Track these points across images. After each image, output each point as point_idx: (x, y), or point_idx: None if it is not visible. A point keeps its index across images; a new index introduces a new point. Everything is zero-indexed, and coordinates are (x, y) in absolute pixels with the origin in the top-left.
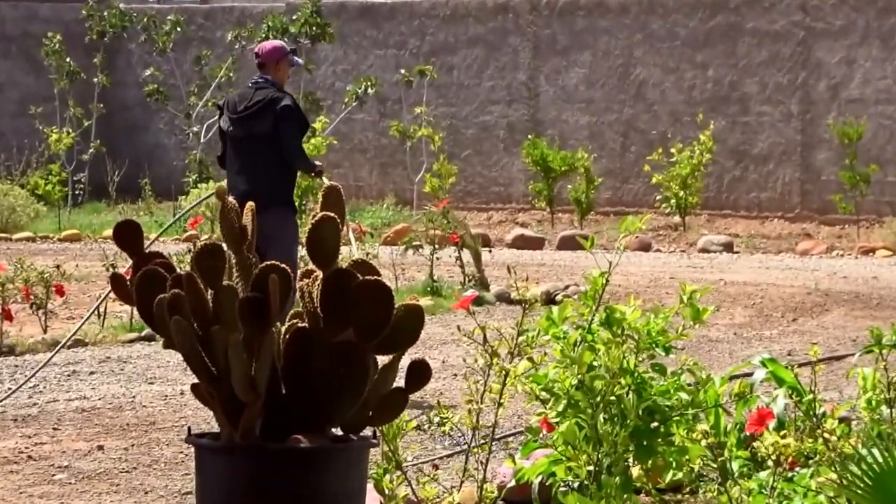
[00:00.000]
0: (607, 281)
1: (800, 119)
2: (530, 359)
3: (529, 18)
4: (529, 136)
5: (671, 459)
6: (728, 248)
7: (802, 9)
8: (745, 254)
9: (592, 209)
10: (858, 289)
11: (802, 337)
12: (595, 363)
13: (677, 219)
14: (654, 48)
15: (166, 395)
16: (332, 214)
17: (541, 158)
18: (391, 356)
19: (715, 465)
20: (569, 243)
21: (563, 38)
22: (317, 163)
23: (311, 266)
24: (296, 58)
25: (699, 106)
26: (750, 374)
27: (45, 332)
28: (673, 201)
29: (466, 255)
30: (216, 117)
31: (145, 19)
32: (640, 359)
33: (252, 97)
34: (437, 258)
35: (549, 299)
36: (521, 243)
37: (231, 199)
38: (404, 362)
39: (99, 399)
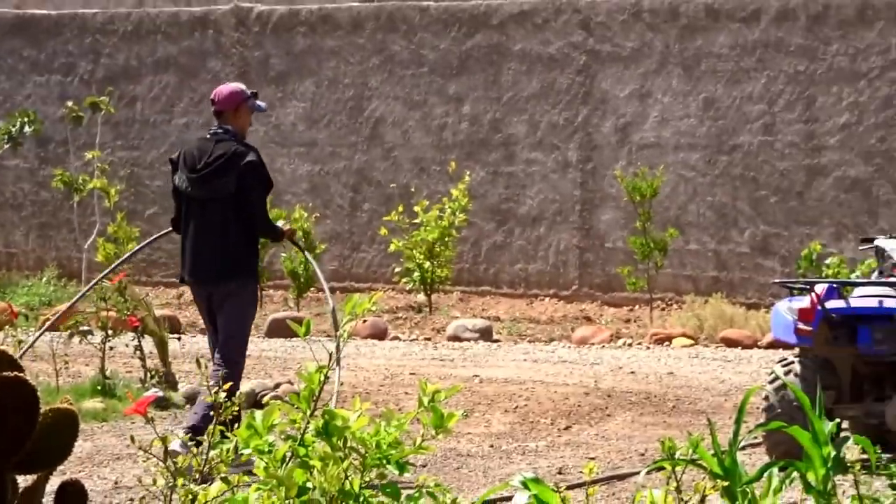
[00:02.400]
0: (327, 378)
1: (579, 169)
2: (225, 479)
3: (235, 36)
4: None
5: None
6: (486, 335)
7: (584, 27)
8: (507, 343)
9: (312, 285)
10: (649, 388)
11: (577, 450)
12: (309, 484)
13: (422, 297)
14: (394, 76)
15: None
16: None
17: None
18: (35, 476)
19: None
20: (281, 328)
21: (277, 61)
22: (283, 224)
23: None
24: (258, 102)
25: (451, 151)
26: (509, 499)
27: None
28: (416, 274)
29: (149, 344)
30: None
31: None
32: (367, 478)
33: (212, 151)
34: (111, 348)
35: (254, 402)
36: None
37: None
38: (54, 484)
39: None
